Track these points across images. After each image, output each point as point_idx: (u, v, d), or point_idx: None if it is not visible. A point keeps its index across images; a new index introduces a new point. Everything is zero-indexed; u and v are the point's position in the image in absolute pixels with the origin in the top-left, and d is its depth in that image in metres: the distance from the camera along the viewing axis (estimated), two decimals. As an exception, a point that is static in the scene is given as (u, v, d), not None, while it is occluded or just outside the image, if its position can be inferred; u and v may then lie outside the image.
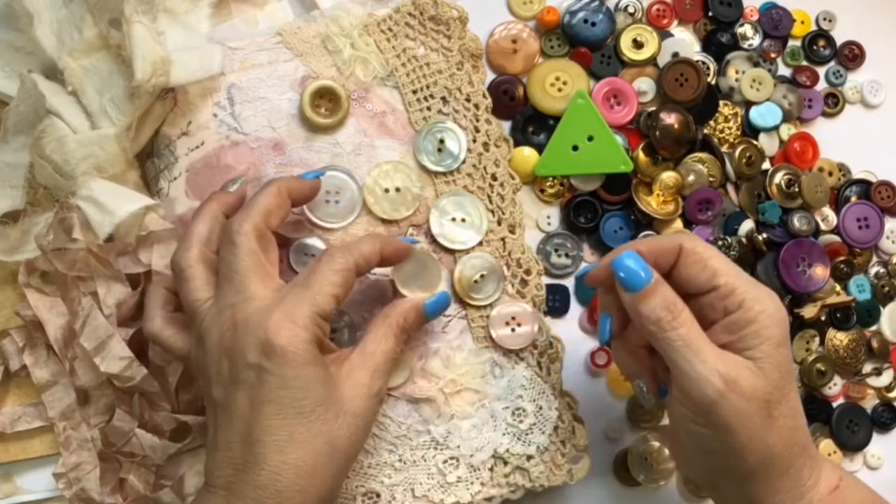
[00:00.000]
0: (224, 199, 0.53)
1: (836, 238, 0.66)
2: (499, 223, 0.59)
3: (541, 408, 0.57)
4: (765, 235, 0.64)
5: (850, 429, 0.66)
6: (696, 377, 0.45)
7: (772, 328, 0.46)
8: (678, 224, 0.63)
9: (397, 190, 0.58)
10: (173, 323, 0.52)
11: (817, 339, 0.66)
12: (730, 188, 0.65)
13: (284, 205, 0.52)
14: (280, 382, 0.46)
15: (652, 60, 0.65)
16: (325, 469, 0.47)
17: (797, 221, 0.64)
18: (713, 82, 0.66)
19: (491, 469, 0.57)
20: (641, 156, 0.63)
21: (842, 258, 0.66)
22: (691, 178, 0.63)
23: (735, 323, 0.47)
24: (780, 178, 0.65)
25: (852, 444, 0.66)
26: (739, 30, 0.67)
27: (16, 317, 0.58)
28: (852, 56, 0.69)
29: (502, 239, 0.59)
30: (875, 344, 0.67)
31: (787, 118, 0.66)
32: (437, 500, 0.56)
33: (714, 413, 0.45)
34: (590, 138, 0.62)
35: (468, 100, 0.60)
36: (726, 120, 0.66)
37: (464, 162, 0.59)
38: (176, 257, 0.51)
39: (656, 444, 0.63)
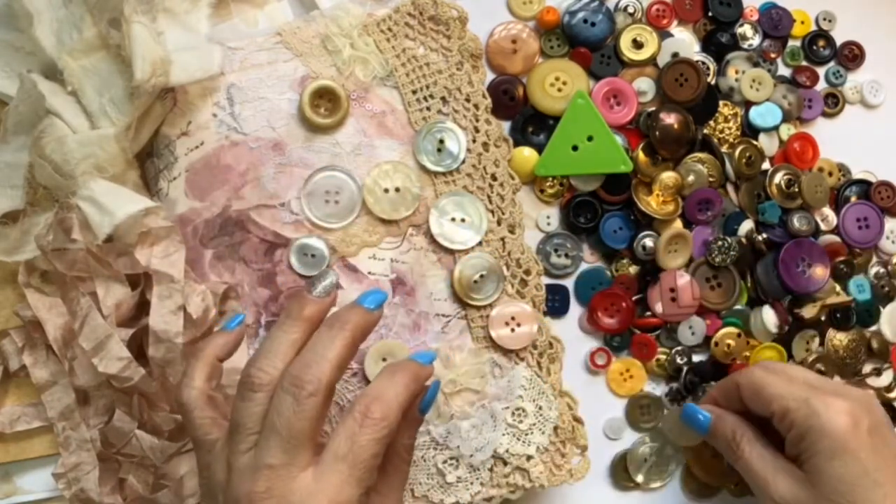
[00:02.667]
0: (221, 342, 0.50)
1: (835, 238, 0.66)
2: (498, 223, 0.59)
3: (540, 408, 0.57)
4: (765, 235, 0.64)
5: (851, 429, 0.66)
6: (758, 495, 0.52)
7: (821, 441, 0.50)
8: (678, 224, 0.63)
9: (397, 190, 0.58)
10: (211, 405, 0.48)
11: (817, 340, 0.66)
12: (730, 188, 0.65)
13: (352, 356, 0.47)
14: None
15: (652, 60, 0.65)
16: None
17: (797, 221, 0.64)
18: (713, 82, 0.66)
19: (491, 469, 0.57)
20: (641, 156, 0.63)
21: (842, 258, 0.66)
22: (691, 178, 0.63)
23: (793, 440, 0.51)
24: (779, 178, 0.65)
25: (852, 444, 0.66)
26: (739, 30, 0.67)
27: (15, 317, 0.58)
28: (852, 56, 0.69)
29: (502, 239, 0.59)
30: (875, 344, 0.67)
31: (786, 118, 0.66)
32: (437, 500, 0.56)
33: None
34: (589, 138, 0.62)
35: (468, 100, 0.60)
36: (726, 120, 0.66)
37: (463, 162, 0.59)
38: (257, 371, 0.46)
39: (655, 444, 0.63)
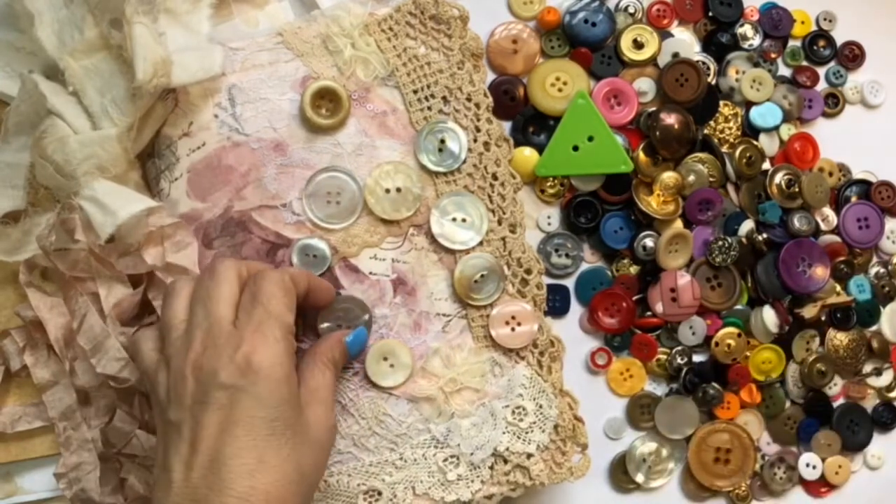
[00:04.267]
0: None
1: (836, 238, 0.66)
2: (499, 223, 0.59)
3: (541, 406, 0.57)
4: (765, 235, 0.64)
5: (851, 429, 0.66)
6: None
7: None
8: (678, 224, 0.63)
9: (398, 190, 0.58)
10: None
11: (817, 340, 0.66)
12: (730, 188, 0.65)
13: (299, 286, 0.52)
14: (254, 402, 0.46)
15: (652, 61, 0.65)
16: (294, 497, 0.46)
17: (797, 221, 0.65)
18: (713, 82, 0.66)
19: (491, 467, 0.57)
20: (642, 156, 0.63)
21: (842, 258, 0.66)
22: (691, 178, 0.63)
23: None
24: (780, 178, 0.65)
25: (853, 444, 0.66)
26: (739, 30, 0.67)
27: (16, 317, 0.58)
28: (852, 56, 0.69)
29: (503, 239, 0.59)
30: (875, 344, 0.67)
31: (787, 118, 0.66)
32: (438, 497, 0.56)
33: None
34: (590, 138, 0.62)
35: (469, 99, 0.60)
36: (726, 120, 0.66)
37: (464, 162, 0.59)
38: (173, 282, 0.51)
39: (654, 444, 0.63)
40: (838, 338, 0.66)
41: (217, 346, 0.47)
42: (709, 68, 0.66)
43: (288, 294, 0.50)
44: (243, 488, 0.44)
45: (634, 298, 0.63)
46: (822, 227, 0.66)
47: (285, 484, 0.45)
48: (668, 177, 0.62)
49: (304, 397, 0.49)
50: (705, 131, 0.65)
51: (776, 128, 0.66)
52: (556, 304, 0.63)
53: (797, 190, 0.65)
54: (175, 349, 0.48)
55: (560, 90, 0.63)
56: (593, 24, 0.64)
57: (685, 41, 0.66)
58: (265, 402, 0.46)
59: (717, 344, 0.64)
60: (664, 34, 0.66)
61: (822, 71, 0.69)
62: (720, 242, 0.63)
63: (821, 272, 0.64)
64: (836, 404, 0.67)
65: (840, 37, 0.69)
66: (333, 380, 0.52)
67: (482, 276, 0.58)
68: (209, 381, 0.46)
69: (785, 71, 0.68)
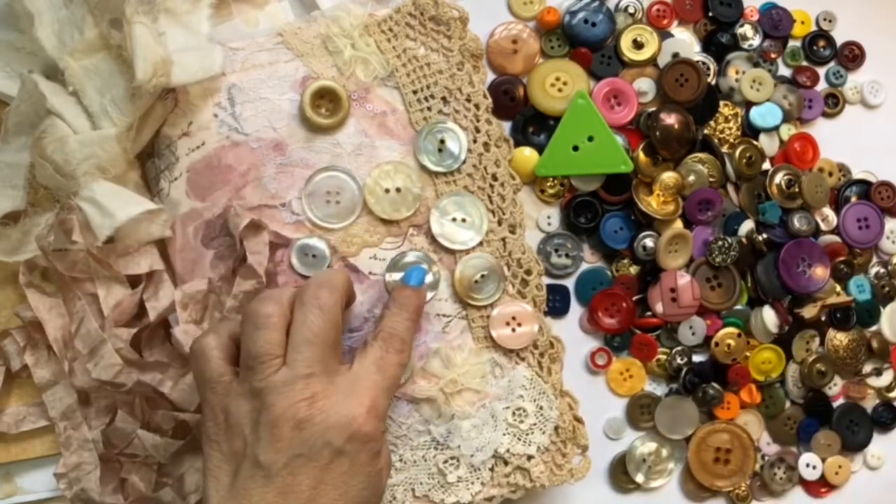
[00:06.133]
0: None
1: (836, 238, 0.66)
2: (499, 223, 0.59)
3: (541, 408, 0.57)
4: (765, 236, 0.64)
5: (851, 429, 0.66)
6: None
7: None
8: (678, 224, 0.63)
9: (398, 190, 0.58)
10: (228, 352, 0.50)
11: (817, 340, 0.66)
12: (730, 188, 0.65)
13: (350, 290, 0.53)
14: (353, 468, 0.47)
15: (652, 61, 0.65)
16: None
17: (797, 222, 0.64)
18: (713, 83, 0.66)
19: (491, 469, 0.57)
20: (641, 156, 0.63)
21: (842, 258, 0.66)
22: (691, 178, 0.63)
23: None
24: (780, 178, 0.65)
25: (853, 443, 0.66)
26: (739, 30, 0.67)
27: (16, 317, 0.58)
28: (852, 56, 0.69)
29: (503, 239, 0.59)
30: (875, 344, 0.67)
31: (787, 118, 0.66)
32: (438, 499, 0.56)
33: None
34: (590, 138, 0.62)
35: (468, 100, 0.60)
36: (726, 120, 0.66)
37: (464, 162, 0.59)
38: (261, 305, 0.49)
39: (654, 444, 0.63)
40: (838, 338, 0.66)
41: (330, 401, 0.47)
42: (709, 68, 0.66)
43: (408, 359, 0.52)
44: None
45: (634, 298, 0.63)
46: (822, 227, 0.66)
47: None
48: (668, 177, 0.62)
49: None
50: (705, 131, 0.65)
51: (776, 128, 0.66)
52: (556, 304, 0.63)
53: (797, 190, 0.65)
54: (273, 385, 0.47)
55: (560, 90, 0.63)
56: (593, 25, 0.64)
57: (685, 41, 0.66)
58: (363, 469, 0.47)
59: (717, 344, 0.64)
60: (664, 34, 0.66)
61: (822, 71, 0.69)
62: (720, 242, 0.63)
63: (821, 272, 0.64)
64: (836, 404, 0.67)
65: (840, 37, 0.69)
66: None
67: (482, 276, 0.58)
68: (317, 437, 0.46)
69: (785, 71, 0.68)
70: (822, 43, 0.69)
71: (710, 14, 0.66)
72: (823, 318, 0.66)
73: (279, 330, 0.48)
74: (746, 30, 0.67)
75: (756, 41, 0.67)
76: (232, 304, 0.55)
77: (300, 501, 0.45)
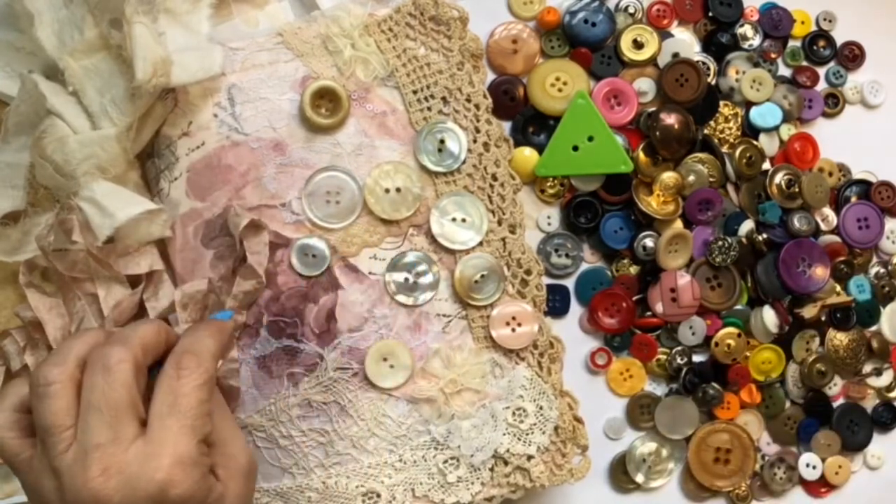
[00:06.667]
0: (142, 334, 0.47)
1: (836, 238, 0.66)
2: (499, 223, 0.59)
3: (541, 408, 0.57)
4: (765, 236, 0.64)
5: (851, 429, 0.66)
6: None
7: None
8: (678, 224, 0.63)
9: (398, 190, 0.58)
10: (20, 426, 0.46)
11: (817, 340, 0.66)
12: (730, 188, 0.65)
13: (160, 346, 0.47)
14: None
15: (652, 61, 0.65)
16: None
17: (797, 222, 0.65)
18: (713, 82, 0.66)
19: (491, 469, 0.57)
20: (641, 156, 0.63)
21: (842, 258, 0.66)
22: (691, 178, 0.63)
23: None
24: (780, 178, 0.65)
25: (853, 444, 0.67)
26: (739, 30, 0.67)
27: (16, 317, 0.58)
28: (852, 56, 0.69)
29: (503, 239, 0.59)
30: (875, 344, 0.67)
31: (787, 118, 0.66)
32: (438, 500, 0.56)
33: None
34: (590, 138, 0.62)
35: (468, 100, 0.60)
36: (726, 120, 0.66)
37: (464, 162, 0.59)
38: (43, 369, 0.44)
39: (654, 444, 0.63)
40: (838, 338, 0.66)
41: (126, 474, 0.42)
42: (709, 68, 0.66)
43: (210, 394, 0.45)
44: None
45: (634, 298, 0.63)
46: (822, 227, 0.66)
47: None
48: (668, 177, 0.62)
49: (222, 470, 0.46)
50: (705, 131, 0.65)
51: (776, 128, 0.66)
52: (556, 304, 0.63)
53: (797, 190, 0.65)
54: (66, 465, 0.42)
55: (560, 90, 0.63)
56: (593, 24, 0.64)
57: (685, 41, 0.66)
58: None
59: (717, 344, 0.64)
60: (664, 34, 0.66)
61: (822, 71, 0.69)
62: (720, 242, 0.63)
63: (821, 272, 0.64)
64: (836, 404, 0.67)
65: (840, 37, 0.69)
66: (228, 407, 0.49)
67: (482, 276, 0.58)
68: None
69: (785, 71, 0.68)
70: (822, 43, 0.69)
71: (710, 14, 0.66)
72: (823, 318, 0.66)
73: (65, 396, 0.43)
74: (746, 30, 0.67)
75: (756, 41, 0.67)
76: (232, 304, 0.55)
77: None
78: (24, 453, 0.45)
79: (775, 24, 0.67)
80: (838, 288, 0.66)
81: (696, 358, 0.64)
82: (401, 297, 0.57)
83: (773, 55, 0.67)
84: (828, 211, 0.67)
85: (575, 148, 0.62)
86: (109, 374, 0.43)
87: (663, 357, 0.64)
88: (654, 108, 0.63)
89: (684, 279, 0.62)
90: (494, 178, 0.59)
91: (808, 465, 0.66)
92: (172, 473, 0.42)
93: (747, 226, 0.64)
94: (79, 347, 0.46)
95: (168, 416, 0.44)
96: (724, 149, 0.65)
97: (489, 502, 0.57)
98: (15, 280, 0.57)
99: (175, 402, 0.44)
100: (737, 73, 0.66)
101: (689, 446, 0.63)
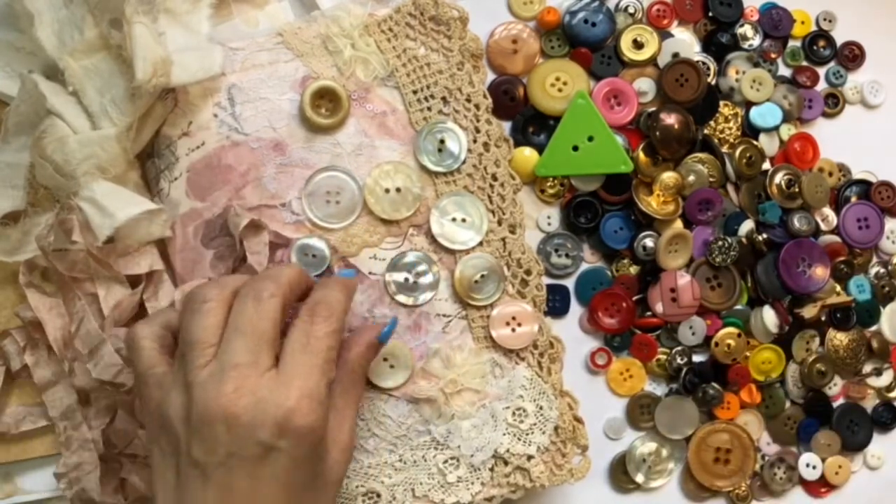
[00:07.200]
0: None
1: (836, 238, 0.66)
2: (499, 223, 0.59)
3: (541, 408, 0.57)
4: (765, 236, 0.64)
5: (851, 429, 0.66)
6: None
7: None
8: (678, 224, 0.63)
9: (398, 190, 0.58)
10: (162, 343, 0.49)
11: (817, 340, 0.66)
12: (730, 188, 0.65)
13: (301, 290, 0.50)
14: (292, 463, 0.45)
15: (652, 61, 0.65)
16: None
17: (797, 222, 0.65)
18: (713, 82, 0.66)
19: (491, 469, 0.57)
20: (641, 156, 0.63)
21: (842, 258, 0.66)
22: (691, 178, 0.63)
23: None
24: (780, 178, 0.65)
25: (853, 444, 0.67)
26: (739, 30, 0.67)
27: (16, 317, 0.58)
28: (852, 56, 0.69)
29: (503, 239, 0.59)
30: (875, 344, 0.67)
31: (787, 118, 0.66)
32: (438, 499, 0.56)
33: None
34: (590, 138, 0.62)
35: (468, 100, 0.60)
36: (726, 120, 0.66)
37: (464, 162, 0.59)
38: (203, 288, 0.48)
39: (654, 444, 0.63)
40: (838, 338, 0.66)
41: (257, 396, 0.44)
42: (709, 68, 0.66)
43: (339, 326, 0.48)
44: None
45: (634, 298, 0.63)
46: (822, 227, 0.66)
47: None
48: (668, 177, 0.62)
49: (332, 424, 0.48)
50: (705, 131, 0.65)
51: (776, 128, 0.66)
52: (556, 304, 0.63)
53: (797, 190, 0.65)
54: (201, 379, 0.45)
55: (560, 90, 0.63)
56: (593, 24, 0.64)
57: (685, 41, 0.66)
58: (303, 464, 0.45)
59: (717, 344, 0.64)
60: (664, 34, 0.66)
61: (822, 71, 0.69)
62: (720, 242, 0.63)
63: (821, 272, 0.64)
64: (836, 404, 0.67)
65: (840, 37, 0.69)
66: (361, 392, 0.51)
67: (482, 276, 0.58)
68: (247, 434, 0.44)
69: (785, 71, 0.68)
70: (822, 43, 0.69)
71: (710, 14, 0.66)
72: (823, 318, 0.66)
73: (216, 316, 0.46)
74: (746, 30, 0.67)
75: (756, 41, 0.67)
76: None
77: (242, 500, 0.44)
78: (160, 367, 0.47)
79: (775, 24, 0.67)
80: (838, 288, 0.66)
81: (696, 358, 0.64)
82: (401, 298, 0.57)
83: (773, 55, 0.67)
84: (828, 211, 0.67)
85: (575, 148, 0.62)
86: (260, 304, 0.46)
87: (663, 357, 0.64)
88: (654, 108, 0.63)
89: (684, 279, 0.62)
90: (494, 178, 0.59)
91: (808, 465, 0.66)
92: (300, 404, 0.45)
93: (747, 226, 0.64)
94: (236, 280, 0.49)
95: (301, 354, 0.46)
96: (724, 149, 0.65)
97: (489, 502, 0.57)
98: (15, 280, 0.57)
99: (308, 343, 0.47)
100: (737, 73, 0.66)
101: (689, 446, 0.63)
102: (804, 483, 0.66)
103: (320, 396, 0.46)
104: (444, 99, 0.59)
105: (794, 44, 0.68)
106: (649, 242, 0.63)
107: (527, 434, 0.57)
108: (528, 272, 0.59)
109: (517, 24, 0.64)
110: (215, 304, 0.47)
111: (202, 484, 0.44)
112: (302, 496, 0.46)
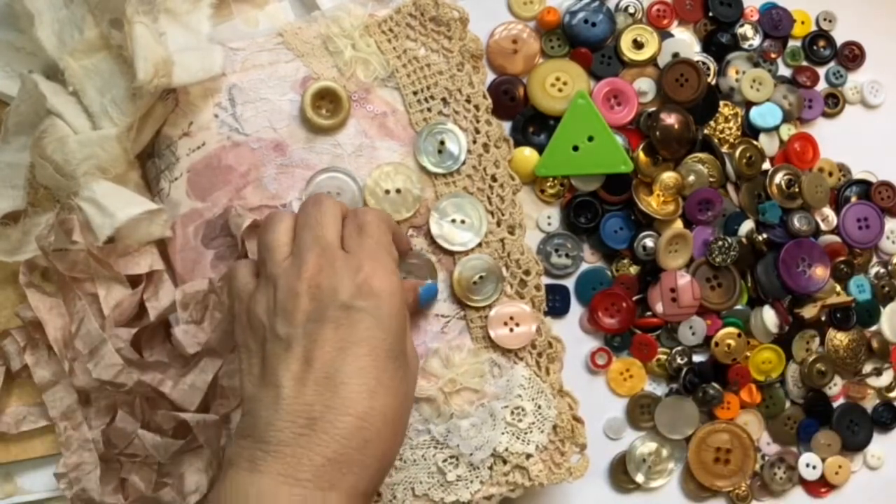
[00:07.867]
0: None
1: (836, 238, 0.66)
2: (498, 224, 0.59)
3: (540, 407, 0.57)
4: (765, 236, 0.64)
5: (851, 429, 0.66)
6: None
7: None
8: (678, 224, 0.63)
9: (398, 191, 0.58)
10: (250, 270, 0.52)
11: (817, 340, 0.66)
12: (730, 188, 0.65)
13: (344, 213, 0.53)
14: (375, 324, 0.46)
15: (652, 61, 0.65)
16: (402, 421, 0.47)
17: (797, 222, 0.64)
18: (713, 82, 0.66)
19: (490, 468, 0.57)
20: (641, 156, 0.63)
21: (842, 258, 0.66)
22: (691, 178, 0.63)
23: None
24: (780, 178, 0.65)
25: (853, 443, 0.66)
26: (739, 30, 0.67)
27: (16, 317, 0.58)
28: (852, 56, 0.69)
29: (501, 240, 0.59)
30: (875, 344, 0.67)
31: (787, 118, 0.66)
32: (438, 498, 0.56)
33: None
34: (590, 138, 0.62)
35: (468, 101, 0.60)
36: (726, 120, 0.66)
37: (464, 163, 0.59)
38: (271, 213, 0.52)
39: (654, 444, 0.63)
40: (838, 338, 0.66)
41: (334, 267, 0.47)
42: (709, 68, 0.66)
43: (390, 229, 0.52)
44: (363, 408, 0.44)
45: (634, 298, 0.63)
46: (822, 227, 0.66)
47: (398, 408, 0.46)
48: (668, 177, 0.62)
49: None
50: (705, 131, 0.65)
51: (776, 128, 0.66)
52: (556, 304, 0.63)
53: (797, 190, 0.65)
54: (283, 269, 0.48)
55: (560, 90, 0.63)
56: (593, 24, 0.64)
57: (685, 41, 0.66)
58: (385, 326, 0.46)
59: (717, 344, 0.64)
60: (664, 34, 0.66)
61: (822, 71, 0.69)
62: (720, 242, 0.63)
63: (821, 272, 0.64)
64: (836, 404, 0.67)
65: (840, 37, 0.69)
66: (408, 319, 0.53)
67: (481, 277, 0.58)
68: (328, 299, 0.46)
69: (785, 71, 0.68)
70: (822, 43, 0.69)
71: (710, 14, 0.66)
72: (823, 318, 0.66)
73: (285, 223, 0.50)
74: (746, 30, 0.67)
75: (756, 41, 0.67)
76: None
77: (325, 365, 0.45)
78: (250, 285, 0.50)
79: (775, 24, 0.67)
80: (838, 288, 0.66)
81: (696, 358, 0.64)
82: None
83: (773, 55, 0.67)
84: (828, 211, 0.67)
85: (575, 148, 0.62)
86: (320, 206, 0.50)
87: (663, 357, 0.64)
88: (654, 108, 0.63)
89: (684, 279, 0.62)
90: (494, 179, 0.59)
91: (808, 465, 0.66)
92: (375, 271, 0.47)
93: (747, 226, 0.64)
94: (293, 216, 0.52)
95: (359, 237, 0.49)
96: (724, 149, 0.65)
97: (488, 501, 0.57)
98: (15, 280, 0.57)
99: (365, 230, 0.50)
100: (737, 73, 0.66)
101: (689, 446, 0.63)
102: (804, 483, 0.66)
103: (391, 266, 0.49)
104: (444, 100, 0.59)
105: (794, 44, 0.68)
106: (649, 242, 0.63)
107: (525, 433, 0.57)
108: (526, 272, 0.59)
109: (517, 24, 0.64)
110: (284, 216, 0.51)
111: (286, 356, 0.46)
112: (387, 363, 0.46)
